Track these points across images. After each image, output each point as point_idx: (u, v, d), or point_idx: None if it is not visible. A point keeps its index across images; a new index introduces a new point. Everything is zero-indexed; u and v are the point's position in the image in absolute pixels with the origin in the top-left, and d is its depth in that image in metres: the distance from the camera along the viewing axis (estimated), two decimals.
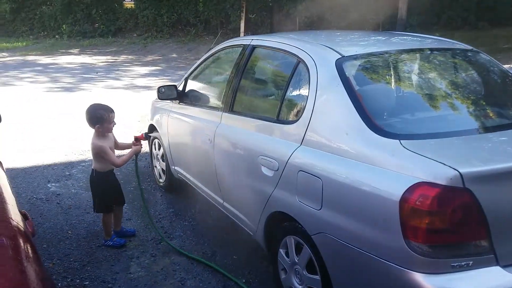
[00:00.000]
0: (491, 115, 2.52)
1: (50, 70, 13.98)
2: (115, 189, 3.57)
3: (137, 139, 3.53)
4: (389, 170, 2.00)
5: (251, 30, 17.34)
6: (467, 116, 2.50)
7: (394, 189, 1.92)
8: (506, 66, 3.09)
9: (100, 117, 3.30)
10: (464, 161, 1.92)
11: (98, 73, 13.13)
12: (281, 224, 2.69)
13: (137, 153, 3.50)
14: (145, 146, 4.40)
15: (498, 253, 1.86)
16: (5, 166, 5.24)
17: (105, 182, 3.48)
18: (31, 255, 1.62)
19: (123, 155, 3.49)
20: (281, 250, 2.72)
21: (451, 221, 1.84)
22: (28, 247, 1.66)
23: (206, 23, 19.73)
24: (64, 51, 19.04)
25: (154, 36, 20.55)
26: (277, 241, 2.75)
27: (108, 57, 17.25)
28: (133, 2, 21.13)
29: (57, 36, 22.19)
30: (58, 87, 10.96)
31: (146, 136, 3.49)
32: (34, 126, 7.19)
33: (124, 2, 21.27)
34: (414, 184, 1.87)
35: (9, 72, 13.35)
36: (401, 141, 2.07)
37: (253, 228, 2.98)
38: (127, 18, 21.47)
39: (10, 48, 19.89)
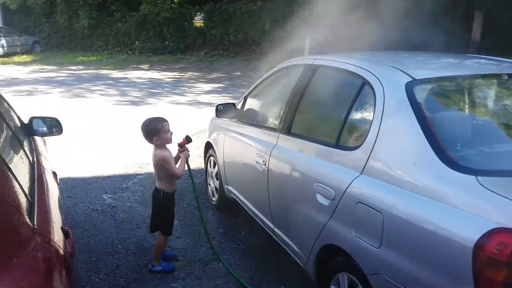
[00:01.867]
0: None
1: (120, 84, 14.60)
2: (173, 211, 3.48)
3: (181, 145, 3.40)
4: (463, 210, 1.76)
5: (316, 51, 17.21)
6: None
7: (468, 234, 1.68)
8: None
9: (154, 129, 3.26)
10: None
11: (164, 88, 13.51)
12: (334, 258, 2.48)
13: (187, 158, 3.37)
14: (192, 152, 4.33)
15: None
16: (67, 175, 5.45)
17: (171, 203, 3.40)
18: (65, 280, 1.53)
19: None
20: (332, 287, 2.50)
21: None
22: (63, 272, 1.58)
23: (272, 43, 19.85)
24: (135, 66, 19.89)
25: (220, 54, 20.99)
26: (328, 276, 2.53)
27: (175, 73, 17.78)
28: (202, 21, 21.78)
29: (129, 52, 23.27)
30: (126, 101, 11.37)
31: (188, 139, 3.38)
32: (99, 137, 7.43)
33: (194, 21, 21.96)
34: (493, 229, 1.62)
35: (82, 84, 14.08)
36: (477, 177, 1.81)
37: (304, 259, 2.78)
38: (196, 36, 22.12)
39: (86, 62, 21.08)
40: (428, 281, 1.82)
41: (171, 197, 3.37)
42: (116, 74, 17.36)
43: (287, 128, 3.14)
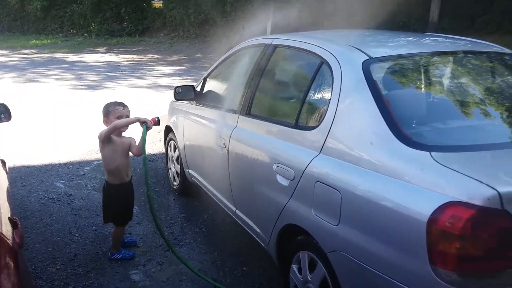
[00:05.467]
0: None
1: (76, 67, 14.10)
2: (127, 204, 3.29)
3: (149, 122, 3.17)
4: (417, 186, 1.78)
5: (279, 32, 17.09)
6: (504, 127, 2.25)
7: (422, 208, 1.70)
8: None
9: (106, 110, 3.16)
10: (502, 179, 1.70)
11: (123, 72, 13.17)
12: (295, 237, 2.49)
13: (148, 127, 3.11)
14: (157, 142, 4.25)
15: None
16: (21, 163, 5.24)
17: (120, 195, 3.22)
18: (12, 272, 1.45)
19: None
20: (293, 266, 2.52)
21: (486, 247, 1.61)
22: (11, 264, 1.50)
23: (233, 24, 19.64)
24: (91, 49, 19.26)
25: (180, 36, 20.60)
26: (290, 255, 2.54)
27: (134, 56, 17.34)
28: (161, 2, 21.25)
29: (85, 34, 22.48)
30: (83, 85, 11.01)
31: (159, 121, 3.24)
32: (54, 124, 7.17)
33: (153, 1, 21.39)
34: (445, 203, 1.65)
35: (36, 69, 13.52)
36: (431, 153, 1.84)
37: (266, 239, 2.79)
38: (155, 17, 21.60)
39: (39, 45, 20.24)
40: (385, 256, 1.85)
41: (120, 189, 3.20)
42: (72, 57, 16.76)
43: (247, 109, 3.11)
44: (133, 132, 3.39)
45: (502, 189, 1.58)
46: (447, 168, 1.75)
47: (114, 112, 3.14)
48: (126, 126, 3.16)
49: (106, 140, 3.08)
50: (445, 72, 2.62)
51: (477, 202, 1.59)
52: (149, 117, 3.22)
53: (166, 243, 3.10)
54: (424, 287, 1.70)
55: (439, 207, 1.65)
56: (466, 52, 2.70)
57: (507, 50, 2.76)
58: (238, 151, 3.07)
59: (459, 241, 1.62)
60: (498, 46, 2.82)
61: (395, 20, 14.88)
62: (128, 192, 3.27)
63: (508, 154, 1.94)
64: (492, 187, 1.59)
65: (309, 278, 2.36)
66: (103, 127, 3.15)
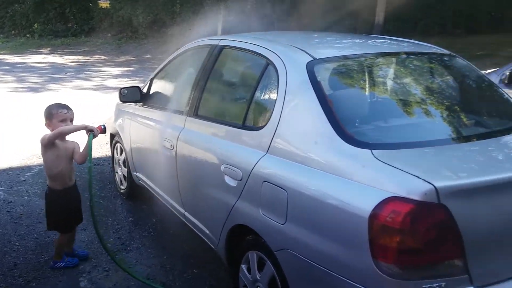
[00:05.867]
0: (467, 123, 2.37)
1: (17, 69, 13.49)
2: (71, 209, 3.16)
3: (95, 131, 3.06)
4: (359, 182, 1.83)
5: (230, 33, 17.06)
6: (443, 124, 2.35)
7: (364, 204, 1.75)
8: (482, 72, 2.98)
9: (48, 113, 3.00)
10: (439, 174, 1.77)
11: (68, 73, 12.73)
12: (243, 238, 2.49)
13: (94, 135, 3.00)
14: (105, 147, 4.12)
15: (473, 273, 1.70)
16: None
17: (63, 201, 3.08)
18: None
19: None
20: (243, 266, 2.52)
21: (424, 240, 1.67)
22: None
23: (183, 24, 19.45)
24: (34, 50, 18.48)
25: (129, 36, 20.17)
26: (239, 255, 2.54)
27: (80, 57, 16.80)
28: (108, 2, 20.71)
29: (28, 35, 21.53)
30: (24, 87, 10.53)
31: (104, 129, 3.13)
32: None
33: (99, 1, 20.82)
34: (385, 199, 1.70)
35: None
36: (372, 151, 1.90)
37: (215, 241, 2.77)
38: (102, 17, 21.02)
39: None
40: (329, 252, 1.89)
41: (63, 194, 3.08)
42: (13, 59, 16.00)
43: (194, 110, 3.08)
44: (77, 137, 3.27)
45: (439, 183, 1.65)
46: (387, 165, 1.81)
47: (58, 115, 3.00)
48: (71, 132, 3.03)
49: (49, 145, 2.95)
50: (388, 73, 2.70)
51: (415, 197, 1.65)
52: (95, 123, 3.12)
53: (108, 254, 3.01)
54: (367, 280, 1.74)
55: (380, 202, 1.70)
56: (408, 53, 2.80)
57: (446, 51, 2.89)
58: (186, 153, 3.03)
59: (399, 235, 1.67)
60: (439, 47, 2.95)
61: (343, 23, 15.27)
62: (71, 197, 3.15)
63: (445, 150, 2.03)
64: (429, 182, 1.65)
65: (258, 277, 2.37)
66: (46, 131, 3.02)
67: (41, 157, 3.08)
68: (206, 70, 3.11)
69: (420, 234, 1.67)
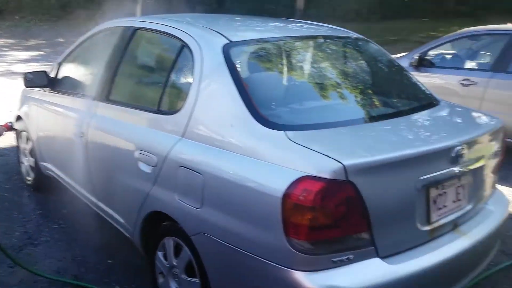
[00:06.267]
0: (377, 104, 2.51)
1: None
2: None
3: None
4: (274, 164, 1.86)
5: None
6: (355, 106, 2.46)
7: (277, 185, 1.78)
8: (393, 56, 3.15)
9: None
10: (347, 152, 1.85)
11: None
12: (159, 224, 2.43)
13: None
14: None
15: (378, 244, 1.82)
16: None
17: None
18: None
19: None
20: (159, 253, 2.46)
21: (334, 216, 1.75)
22: None
23: (99, 6, 18.50)
24: None
25: (39, 18, 18.81)
26: (155, 242, 2.48)
27: None
28: None
29: None
30: None
31: (11, 127, 2.89)
32: None
33: None
34: (298, 178, 1.75)
35: None
36: (286, 132, 1.94)
37: (130, 229, 2.68)
38: None
39: None
40: (245, 233, 1.90)
41: None
42: None
43: (106, 95, 2.95)
44: None
45: (347, 161, 1.72)
46: (299, 145, 1.86)
47: None
48: None
49: None
50: (303, 56, 2.75)
51: (325, 175, 1.71)
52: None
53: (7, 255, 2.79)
54: (281, 258, 1.78)
55: (293, 182, 1.74)
56: (325, 37, 2.88)
57: (360, 36, 3.02)
58: (98, 140, 2.90)
59: (310, 212, 1.72)
60: (354, 32, 3.06)
61: (263, 8, 15.45)
62: None
63: (355, 130, 2.13)
64: (338, 161, 1.72)
65: (174, 263, 2.33)
66: None
67: None
68: (118, 53, 2.98)
69: (330, 211, 1.73)
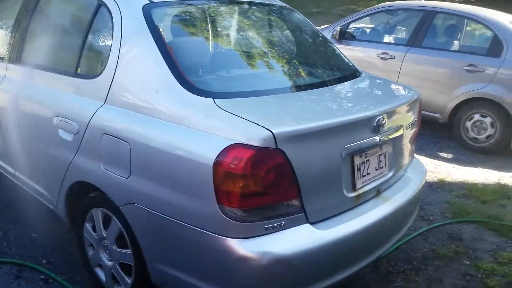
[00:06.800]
0: (303, 74, 2.52)
1: None
2: None
3: None
4: (203, 131, 1.83)
5: None
6: (282, 75, 2.46)
7: (208, 152, 1.76)
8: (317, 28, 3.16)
9: None
10: (276, 121, 1.85)
11: None
12: (85, 195, 2.34)
13: None
14: None
15: (308, 211, 1.87)
16: None
17: None
18: None
19: None
20: (87, 225, 2.38)
21: (264, 184, 1.76)
22: None
23: None
24: None
25: None
26: (82, 214, 2.39)
27: None
28: None
29: None
30: None
31: None
32: None
33: None
34: (228, 146, 1.73)
35: None
36: (215, 99, 1.90)
37: (53, 200, 2.55)
38: None
39: None
40: (177, 202, 1.88)
41: None
42: None
43: (17, 56, 2.71)
44: None
45: (276, 130, 1.73)
46: (229, 113, 1.83)
47: None
48: None
49: None
50: (228, 22, 2.68)
51: (255, 143, 1.71)
52: None
53: None
54: (214, 226, 1.78)
55: (223, 150, 1.73)
56: (250, 4, 2.81)
57: (284, 5, 2.97)
58: (10, 105, 2.69)
59: (241, 180, 1.72)
60: (278, 1, 3.00)
61: None
62: None
63: (283, 98, 2.13)
64: (267, 129, 1.73)
65: (104, 235, 2.27)
66: None
67: None
68: (28, 10, 2.73)
69: (261, 178, 1.75)
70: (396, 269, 2.75)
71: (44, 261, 2.63)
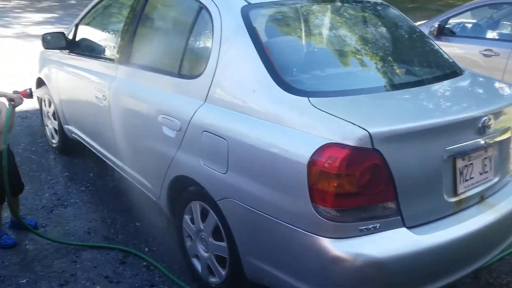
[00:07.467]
0: (399, 72, 2.44)
1: None
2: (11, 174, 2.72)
3: (17, 93, 2.80)
4: (298, 130, 1.85)
5: None
6: (377, 73, 2.40)
7: (302, 151, 1.78)
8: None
9: None
10: (373, 120, 1.82)
11: None
12: (185, 188, 2.47)
13: (15, 104, 2.70)
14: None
15: (405, 214, 1.81)
16: None
17: None
18: None
19: None
20: (186, 217, 2.52)
21: (359, 184, 1.74)
22: None
23: None
24: None
25: None
26: (181, 206, 2.54)
27: None
28: None
29: None
30: None
31: (30, 93, 2.89)
32: None
33: None
34: (323, 145, 1.74)
35: None
36: (309, 98, 1.91)
37: (156, 193, 2.74)
38: None
39: None
40: (271, 199, 1.92)
41: None
42: None
43: (126, 58, 2.93)
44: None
45: (373, 129, 1.70)
46: (323, 112, 1.84)
47: None
48: None
49: None
50: (323, 21, 2.68)
51: (351, 142, 1.70)
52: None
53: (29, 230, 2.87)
54: (307, 224, 1.80)
55: (318, 149, 1.74)
56: (343, 1, 2.78)
57: (379, 1, 2.90)
58: (120, 104, 2.91)
59: (336, 179, 1.72)
60: None
61: None
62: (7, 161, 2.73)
63: (379, 97, 2.09)
64: (363, 128, 1.70)
65: (201, 227, 2.39)
66: None
67: None
68: (136, 15, 2.93)
69: (356, 178, 1.73)
70: (498, 282, 2.56)
71: (146, 249, 2.83)
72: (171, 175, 2.51)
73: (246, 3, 2.30)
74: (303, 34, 2.48)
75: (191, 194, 2.45)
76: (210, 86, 2.25)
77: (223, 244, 2.25)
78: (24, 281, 2.53)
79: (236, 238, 2.14)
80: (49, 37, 3.54)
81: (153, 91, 2.65)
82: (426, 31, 5.47)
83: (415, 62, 2.66)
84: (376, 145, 1.70)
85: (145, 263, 2.69)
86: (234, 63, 2.23)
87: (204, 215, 2.36)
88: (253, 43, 2.15)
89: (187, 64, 2.52)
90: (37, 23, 11.63)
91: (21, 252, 2.79)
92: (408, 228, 1.83)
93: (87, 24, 3.63)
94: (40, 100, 4.35)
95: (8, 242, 2.84)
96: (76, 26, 3.68)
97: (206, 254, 2.40)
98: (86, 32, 3.61)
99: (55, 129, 4.13)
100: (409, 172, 1.81)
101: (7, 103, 2.73)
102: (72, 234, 2.97)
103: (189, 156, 2.34)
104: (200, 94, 2.30)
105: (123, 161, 3.08)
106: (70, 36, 3.66)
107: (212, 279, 2.40)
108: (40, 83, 4.21)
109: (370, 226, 1.76)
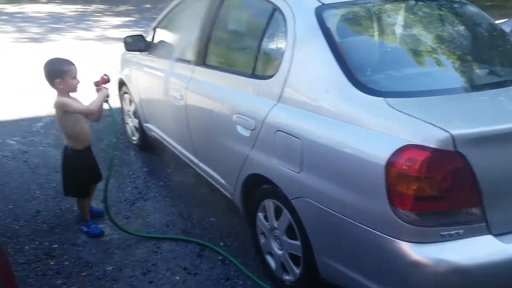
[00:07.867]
0: (479, 72, 2.32)
1: (16, 19, 13.23)
2: (92, 167, 3.07)
3: (98, 84, 2.96)
4: (374, 131, 1.82)
5: None
6: (454, 73, 2.31)
7: (380, 152, 1.75)
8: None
9: (60, 70, 2.80)
10: (454, 122, 1.75)
11: (67, 23, 12.47)
12: (259, 186, 2.52)
13: (106, 97, 2.94)
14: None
15: (490, 221, 1.72)
16: None
17: (81, 162, 2.97)
18: None
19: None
20: (259, 214, 2.57)
21: (441, 188, 1.68)
22: None
23: None
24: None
25: None
26: (255, 204, 2.59)
27: (78, 6, 16.38)
28: None
29: None
30: (25, 38, 10.38)
31: (107, 78, 3.03)
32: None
33: None
34: (402, 146, 1.70)
35: None
36: (386, 99, 1.88)
37: (231, 190, 2.82)
38: None
39: None
40: (346, 199, 1.91)
41: (82, 154, 2.98)
42: (10, 8, 15.66)
43: (202, 59, 3.03)
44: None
45: (455, 131, 1.64)
46: (402, 113, 1.79)
47: (70, 73, 2.84)
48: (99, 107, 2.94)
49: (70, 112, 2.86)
50: (397, 20, 2.60)
51: (432, 144, 1.65)
52: (102, 72, 3.03)
53: (116, 225, 3.05)
54: (384, 227, 1.77)
55: (396, 150, 1.70)
56: (417, 0, 2.68)
57: None
58: (196, 103, 3.02)
59: (416, 182, 1.68)
60: None
61: None
62: (91, 156, 3.08)
63: (460, 98, 2.00)
64: (445, 130, 1.64)
65: (275, 225, 2.43)
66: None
67: (48, 106, 3.00)
68: (211, 17, 3.02)
69: (437, 182, 1.68)
70: None
71: (222, 244, 2.92)
72: (245, 173, 2.57)
73: (320, 4, 2.29)
74: (377, 33, 2.43)
75: (264, 192, 2.49)
76: (284, 86, 2.27)
77: (297, 242, 2.27)
78: (110, 268, 2.72)
79: (310, 237, 2.16)
80: (130, 40, 3.74)
81: (228, 91, 2.72)
82: (506, 30, 5.12)
83: (496, 62, 2.51)
84: (460, 148, 1.64)
85: (220, 257, 2.78)
86: (307, 63, 2.23)
87: (277, 213, 2.40)
88: (327, 43, 2.14)
89: (260, 65, 2.56)
90: (116, 26, 12.28)
91: (107, 241, 2.99)
92: (495, 235, 1.73)
93: (165, 27, 3.80)
94: (121, 100, 4.61)
95: (95, 231, 3.06)
96: (154, 28, 3.86)
97: (280, 252, 2.44)
98: (163, 35, 3.77)
99: (135, 127, 4.37)
100: (496, 177, 1.71)
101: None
102: (152, 226, 3.14)
103: (263, 155, 2.38)
104: (273, 94, 2.33)
105: (199, 158, 3.19)
106: (149, 39, 3.84)
107: (286, 277, 2.44)
108: (120, 83, 4.47)
109: (452, 232, 1.69)
